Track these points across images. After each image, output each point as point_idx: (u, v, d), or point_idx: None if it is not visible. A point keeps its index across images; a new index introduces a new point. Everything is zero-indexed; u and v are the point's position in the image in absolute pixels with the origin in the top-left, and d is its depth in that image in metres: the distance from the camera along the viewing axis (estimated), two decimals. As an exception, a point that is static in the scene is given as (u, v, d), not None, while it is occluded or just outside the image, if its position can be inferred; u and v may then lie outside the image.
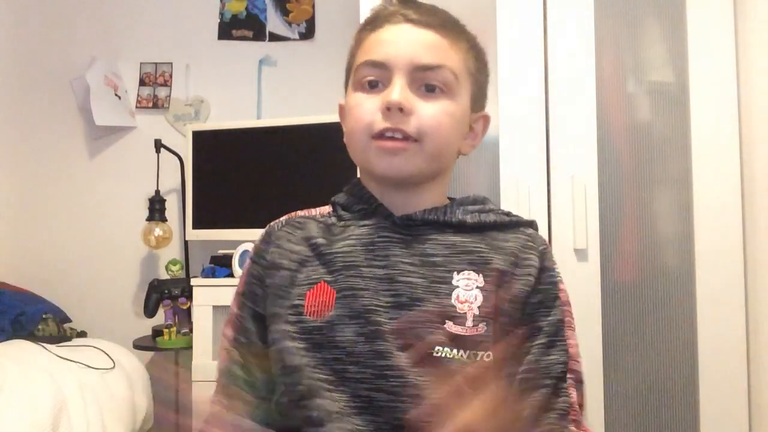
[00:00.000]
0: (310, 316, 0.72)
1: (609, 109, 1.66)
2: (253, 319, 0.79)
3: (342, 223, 0.78)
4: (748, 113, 1.59)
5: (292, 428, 0.70)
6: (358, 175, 0.84)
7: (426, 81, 0.73)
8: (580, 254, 1.61)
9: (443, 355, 0.67)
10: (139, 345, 2.25)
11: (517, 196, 1.61)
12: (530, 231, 0.79)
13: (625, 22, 1.67)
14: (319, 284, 0.73)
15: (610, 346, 1.61)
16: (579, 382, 0.74)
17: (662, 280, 1.62)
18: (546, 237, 1.63)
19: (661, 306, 1.62)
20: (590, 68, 1.64)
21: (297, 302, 0.73)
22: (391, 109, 0.71)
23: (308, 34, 2.52)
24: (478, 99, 0.81)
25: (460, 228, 0.76)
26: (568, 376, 0.72)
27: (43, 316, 2.17)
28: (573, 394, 0.72)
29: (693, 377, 1.59)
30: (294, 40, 2.52)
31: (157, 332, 2.28)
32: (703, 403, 1.57)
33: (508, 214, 0.80)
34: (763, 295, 1.56)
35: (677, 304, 1.61)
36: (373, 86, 0.75)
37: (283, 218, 0.84)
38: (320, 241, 0.76)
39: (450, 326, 0.69)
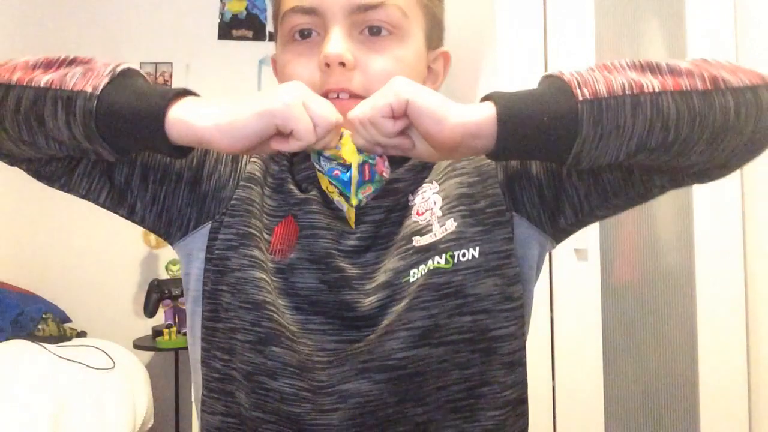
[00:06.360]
0: (275, 255, 0.63)
1: (609, 109, 1.66)
2: (189, 169, 0.65)
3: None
4: (748, 113, 1.59)
5: (242, 371, 0.62)
6: None
7: (368, 23, 0.61)
8: (580, 254, 1.61)
9: (417, 277, 0.60)
10: (139, 345, 2.25)
11: (517, 196, 1.61)
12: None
13: (625, 22, 1.67)
14: (287, 218, 0.64)
15: (610, 346, 1.61)
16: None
17: (662, 280, 1.62)
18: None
19: (661, 306, 1.62)
20: (590, 68, 1.64)
21: (266, 236, 0.64)
22: (330, 65, 0.59)
23: (308, 34, 2.52)
24: (434, 34, 0.68)
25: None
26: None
27: (43, 316, 2.17)
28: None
29: (693, 377, 1.59)
30: (294, 40, 2.52)
31: (157, 332, 2.28)
32: (703, 403, 1.57)
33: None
34: (763, 296, 1.56)
35: (677, 304, 1.61)
36: (305, 36, 0.63)
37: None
38: (283, 176, 0.66)
39: (418, 240, 0.62)
